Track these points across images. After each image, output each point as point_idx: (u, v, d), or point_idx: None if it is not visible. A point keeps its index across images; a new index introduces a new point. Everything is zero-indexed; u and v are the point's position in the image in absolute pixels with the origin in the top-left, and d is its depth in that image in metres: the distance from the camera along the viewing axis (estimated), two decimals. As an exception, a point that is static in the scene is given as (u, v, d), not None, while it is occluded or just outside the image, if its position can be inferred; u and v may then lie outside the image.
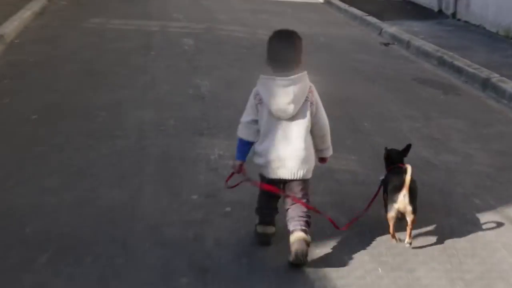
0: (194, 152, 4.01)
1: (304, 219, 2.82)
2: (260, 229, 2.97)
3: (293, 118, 2.81)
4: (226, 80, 5.71)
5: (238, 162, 2.92)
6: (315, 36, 8.09)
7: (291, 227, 2.83)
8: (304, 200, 2.87)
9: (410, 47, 7.42)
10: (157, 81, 5.57)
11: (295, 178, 2.83)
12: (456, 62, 6.38)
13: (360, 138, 4.36)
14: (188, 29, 8.12)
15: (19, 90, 5.10)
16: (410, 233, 2.92)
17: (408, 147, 3.28)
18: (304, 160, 2.83)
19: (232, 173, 2.98)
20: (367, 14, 9.44)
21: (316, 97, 2.87)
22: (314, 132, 2.88)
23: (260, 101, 2.84)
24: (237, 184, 3.04)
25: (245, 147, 2.91)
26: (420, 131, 4.54)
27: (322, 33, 8.32)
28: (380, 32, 8.44)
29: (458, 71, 6.26)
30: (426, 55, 6.99)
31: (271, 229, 2.96)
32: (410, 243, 2.94)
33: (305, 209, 2.84)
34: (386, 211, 2.93)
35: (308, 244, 2.77)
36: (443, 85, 5.93)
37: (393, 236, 2.96)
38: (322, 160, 3.04)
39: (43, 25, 7.99)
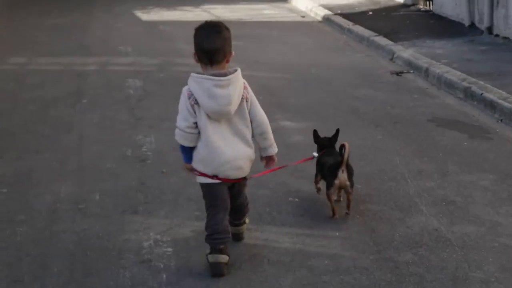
0: (121, 238, 3.99)
1: (244, 211, 3.93)
2: (212, 258, 3.59)
3: (232, 118, 3.55)
4: (177, 135, 5.74)
5: (189, 165, 3.66)
6: (305, 67, 8.21)
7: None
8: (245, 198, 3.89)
9: (429, 76, 7.50)
10: (85, 141, 5.61)
11: (244, 176, 3.71)
12: (487, 95, 6.43)
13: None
14: (136, 66, 8.25)
15: None
16: (350, 205, 4.19)
17: (337, 132, 4.46)
18: (251, 158, 3.69)
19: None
20: (376, 34, 9.60)
21: (250, 93, 3.62)
22: (253, 130, 3.64)
23: (195, 102, 3.51)
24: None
25: (191, 152, 3.64)
26: (432, 193, 4.53)
27: (315, 63, 8.44)
28: (392, 57, 8.55)
29: (491, 106, 6.30)
30: (449, 86, 7.05)
31: (224, 259, 3.59)
32: (348, 213, 4.19)
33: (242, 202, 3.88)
34: (327, 190, 4.15)
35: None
36: (469, 126, 5.95)
37: (334, 213, 4.16)
38: (269, 160, 3.85)
39: None
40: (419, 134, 5.73)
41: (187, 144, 3.59)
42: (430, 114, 6.27)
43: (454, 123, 6.03)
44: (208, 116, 3.50)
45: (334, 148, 4.40)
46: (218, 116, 3.51)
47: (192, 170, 3.65)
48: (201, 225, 4.08)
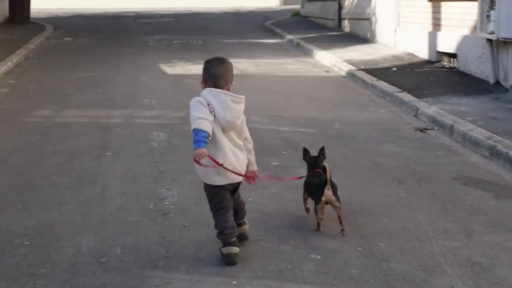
0: (141, 294, 3.98)
1: (244, 211, 4.68)
2: (225, 250, 4.31)
3: (235, 131, 4.33)
4: (200, 189, 5.68)
5: (203, 150, 4.08)
6: (328, 122, 8.24)
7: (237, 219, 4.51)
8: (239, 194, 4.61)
9: (454, 133, 7.49)
10: (108, 194, 5.64)
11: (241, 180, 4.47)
12: (513, 153, 6.39)
13: (372, 266, 4.29)
14: (161, 119, 8.34)
15: None
16: (341, 220, 4.75)
17: (321, 150, 5.13)
18: (245, 164, 4.44)
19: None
20: (400, 90, 9.64)
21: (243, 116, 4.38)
22: (246, 144, 4.46)
23: (212, 110, 4.20)
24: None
25: (207, 137, 4.13)
26: (457, 253, 4.47)
27: (339, 118, 8.47)
28: (416, 113, 8.56)
29: (517, 164, 6.26)
30: (474, 144, 7.03)
31: (235, 250, 4.32)
32: (343, 230, 4.74)
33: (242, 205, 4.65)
34: (316, 205, 4.77)
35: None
36: (495, 185, 5.90)
37: (319, 226, 4.81)
38: (251, 175, 4.53)
39: (-29, 122, 8.27)
40: (444, 192, 5.68)
41: (208, 128, 4.13)
42: (455, 172, 6.24)
43: (479, 182, 5.98)
44: (218, 126, 4.23)
45: (319, 167, 5.00)
46: (230, 127, 4.27)
47: (202, 157, 4.11)
48: (222, 281, 4.08)
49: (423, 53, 12.37)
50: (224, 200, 4.39)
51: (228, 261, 4.30)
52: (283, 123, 8.19)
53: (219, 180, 4.33)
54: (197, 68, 12.35)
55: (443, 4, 11.72)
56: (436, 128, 7.87)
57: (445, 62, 11.63)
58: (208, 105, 4.18)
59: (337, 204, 4.76)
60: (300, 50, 15.49)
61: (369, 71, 11.39)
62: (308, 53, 14.79)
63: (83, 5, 29.39)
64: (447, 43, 11.43)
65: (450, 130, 7.58)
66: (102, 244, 4.63)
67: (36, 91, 10.47)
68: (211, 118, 4.17)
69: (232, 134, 4.33)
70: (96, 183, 5.93)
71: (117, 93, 10.00)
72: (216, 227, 4.39)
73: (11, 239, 4.70)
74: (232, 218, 4.40)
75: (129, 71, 12.29)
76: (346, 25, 18.15)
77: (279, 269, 4.23)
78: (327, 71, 12.44)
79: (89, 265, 4.32)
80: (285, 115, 8.63)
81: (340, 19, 18.95)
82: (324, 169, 4.81)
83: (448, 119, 7.83)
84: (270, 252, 4.47)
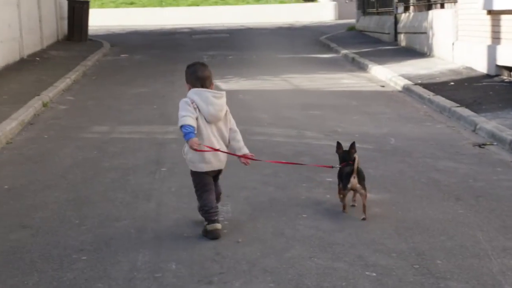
0: (196, 309, 4.01)
1: (220, 199, 5.37)
2: (210, 227, 5.04)
3: (222, 122, 5.12)
4: (254, 205, 5.80)
5: (195, 139, 4.91)
6: (383, 137, 8.19)
7: None
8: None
9: (514, 148, 7.36)
10: (163, 210, 5.72)
11: (223, 167, 5.22)
12: None
13: (429, 284, 4.24)
14: (215, 135, 8.39)
15: (-19, 229, 5.35)
16: (364, 209, 5.36)
17: (352, 144, 5.65)
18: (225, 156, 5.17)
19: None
20: (457, 105, 9.52)
21: (228, 110, 5.18)
22: (229, 134, 5.21)
23: (196, 107, 5.01)
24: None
25: (193, 129, 4.94)
26: (517, 272, 4.39)
27: (394, 133, 8.41)
28: (475, 128, 8.44)
29: None
30: (535, 159, 6.89)
31: (219, 226, 5.07)
32: (364, 218, 5.34)
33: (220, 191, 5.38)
34: (341, 190, 5.54)
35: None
36: (557, 202, 5.77)
37: (344, 208, 5.54)
38: (244, 156, 5.28)
39: (31, 138, 8.50)
40: (503, 210, 5.58)
41: (192, 122, 4.94)
42: (515, 188, 6.12)
43: (540, 198, 5.86)
44: (205, 120, 5.03)
45: (351, 160, 5.55)
46: (213, 119, 5.06)
47: (199, 146, 4.90)
48: (276, 298, 4.10)
49: (481, 67, 12.19)
50: (208, 184, 5.18)
51: (213, 235, 5.05)
52: (337, 138, 8.09)
53: (205, 167, 5.12)
54: (251, 84, 12.62)
55: (503, 17, 11.54)
56: (495, 143, 7.75)
57: (505, 76, 11.43)
58: (192, 103, 5.03)
59: (362, 191, 5.38)
60: (355, 65, 15.45)
61: (426, 86, 11.29)
62: (363, 68, 14.74)
63: (139, 22, 29.95)
64: (507, 56, 11.25)
65: (510, 145, 7.45)
66: (157, 259, 4.70)
67: (93, 107, 10.70)
68: (195, 114, 4.99)
69: (220, 124, 5.13)
70: (151, 199, 6.01)
71: (172, 109, 10.07)
72: (201, 207, 5.16)
73: (69, 254, 4.80)
74: (214, 200, 5.16)
75: (183, 86, 12.35)
76: (402, 39, 18.03)
77: (333, 286, 4.22)
78: (383, 86, 12.38)
79: (144, 280, 4.38)
80: (339, 130, 8.62)
81: (396, 33, 18.85)
82: (353, 159, 5.45)
83: (508, 134, 7.70)
84: (325, 269, 4.46)
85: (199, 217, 5.26)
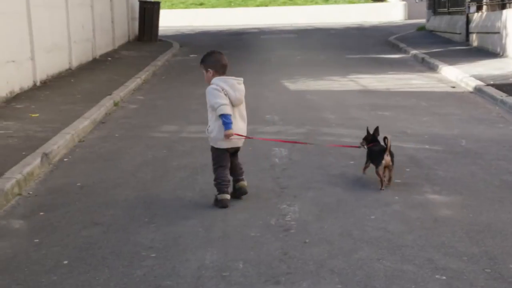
0: (263, 309, 4.02)
1: (242, 170, 6.00)
2: (221, 197, 5.77)
3: (241, 105, 5.80)
4: (321, 205, 5.77)
5: (231, 131, 5.68)
6: (454, 139, 8.03)
7: (236, 176, 5.94)
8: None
9: None
10: (230, 209, 5.75)
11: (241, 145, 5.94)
12: None
13: (501, 290, 4.14)
14: (282, 135, 8.41)
15: (55, 225, 5.47)
16: (391, 179, 6.13)
17: (376, 128, 6.42)
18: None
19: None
20: (532, 106, 9.26)
21: None
22: None
23: (225, 93, 5.68)
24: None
25: (231, 117, 5.68)
26: None
27: (465, 134, 8.24)
28: (550, 130, 8.19)
29: None
30: None
31: (228, 196, 5.80)
32: (388, 184, 6.11)
33: (241, 165, 6.01)
34: (375, 167, 6.16)
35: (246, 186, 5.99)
36: None
37: (381, 183, 6.08)
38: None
39: (103, 137, 8.68)
40: None
41: (230, 111, 5.67)
42: None
43: None
44: (231, 104, 5.69)
45: (378, 141, 6.30)
46: (238, 102, 5.75)
47: (233, 134, 5.71)
48: (343, 299, 4.06)
49: (557, 67, 11.81)
50: (224, 160, 5.83)
51: (223, 204, 5.76)
52: (407, 139, 8.06)
53: (226, 144, 5.77)
54: (319, 84, 12.59)
55: None
56: None
57: None
58: (222, 90, 5.67)
59: (392, 167, 6.09)
60: (425, 65, 15.21)
61: (499, 87, 11.01)
62: (433, 68, 14.50)
63: (208, 23, 30.24)
64: None
65: None
66: (225, 258, 4.72)
67: (163, 107, 10.85)
68: (228, 101, 5.66)
69: (241, 107, 5.81)
70: (219, 198, 6.04)
71: (240, 109, 10.18)
72: (216, 179, 5.82)
73: (139, 251, 4.88)
74: (228, 174, 5.84)
75: (252, 87, 12.45)
76: (474, 39, 17.65)
77: (402, 289, 4.16)
78: (453, 87, 12.14)
79: (212, 279, 4.41)
80: (409, 131, 8.50)
81: (467, 33, 18.46)
82: (384, 139, 6.04)
83: None
84: (393, 271, 4.41)
85: (267, 217, 5.27)
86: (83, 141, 8.46)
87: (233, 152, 5.88)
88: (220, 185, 5.78)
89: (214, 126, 5.75)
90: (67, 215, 5.73)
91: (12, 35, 10.96)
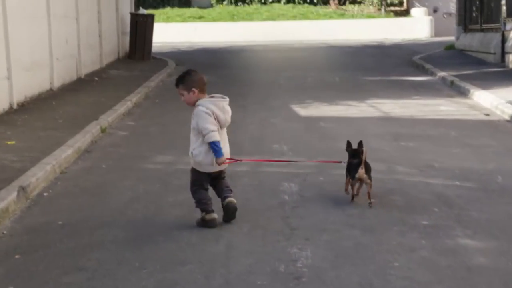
0: None
1: (229, 188, 6.48)
2: (208, 217, 6.30)
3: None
4: (337, 250, 5.75)
5: (224, 158, 6.28)
6: (489, 174, 8.03)
7: (222, 195, 6.44)
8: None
9: None
10: (233, 253, 5.73)
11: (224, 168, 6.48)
12: None
13: None
14: (292, 168, 8.41)
15: (32, 271, 5.44)
16: (369, 195, 6.84)
17: (360, 142, 7.05)
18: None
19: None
20: None
21: None
22: None
23: (216, 118, 6.22)
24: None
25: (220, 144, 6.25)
26: None
27: (502, 169, 8.26)
28: None
29: None
30: None
31: (215, 215, 6.31)
32: (370, 203, 6.81)
33: (228, 184, 6.52)
34: (348, 180, 7.02)
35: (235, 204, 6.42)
36: None
37: (353, 198, 6.96)
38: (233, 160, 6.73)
39: (88, 168, 8.69)
40: None
41: (219, 137, 6.21)
42: None
43: None
44: (219, 127, 6.25)
45: (358, 155, 6.89)
46: (226, 124, 6.36)
47: (226, 160, 6.33)
48: None
49: None
50: (205, 182, 6.42)
51: (211, 224, 6.27)
52: (434, 174, 8.05)
53: (211, 169, 6.33)
54: (333, 110, 12.63)
55: None
56: None
57: None
58: (213, 113, 6.19)
59: (368, 181, 6.80)
60: (455, 90, 15.25)
61: (539, 114, 11.04)
62: (464, 93, 14.54)
63: (207, 38, 30.39)
64: None
65: None
66: (227, 310, 4.70)
67: (156, 134, 10.88)
68: (217, 126, 6.20)
69: (224, 129, 6.37)
70: (220, 240, 6.03)
71: (244, 138, 10.20)
72: (198, 200, 6.36)
73: (128, 301, 4.86)
74: (208, 194, 6.40)
75: (257, 112, 12.55)
76: (511, 60, 17.70)
77: None
78: (487, 114, 12.16)
79: (212, 333, 4.39)
80: (436, 165, 8.49)
81: (503, 53, 18.53)
82: (361, 152, 6.78)
83: None
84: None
85: (275, 262, 5.25)
86: (66, 172, 8.47)
87: (216, 175, 6.43)
88: (205, 205, 6.33)
89: (200, 150, 6.29)
90: (46, 258, 5.71)
91: (-13, 51, 11.04)
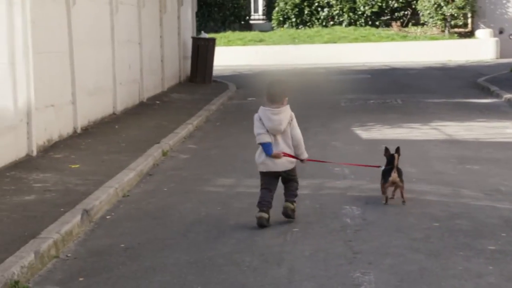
0: None
1: (293, 193, 7.30)
2: (257, 214, 7.04)
3: (282, 134, 7.15)
4: (401, 275, 5.68)
5: (277, 152, 7.12)
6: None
7: (285, 198, 7.26)
8: (294, 180, 7.34)
9: None
10: (295, 277, 5.71)
11: (285, 170, 7.19)
12: None
13: None
14: (354, 191, 8.38)
15: (96, 292, 5.54)
16: (403, 195, 7.72)
17: (397, 148, 7.83)
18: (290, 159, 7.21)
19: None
20: None
21: (294, 120, 7.26)
22: (292, 142, 7.21)
23: (262, 123, 7.11)
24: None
25: (271, 144, 7.11)
26: None
27: None
28: None
29: None
30: None
31: (265, 215, 7.03)
32: (404, 201, 7.71)
33: (293, 188, 7.31)
34: (384, 184, 7.77)
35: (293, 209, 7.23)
36: None
37: (386, 200, 7.77)
38: (301, 161, 7.35)
39: (150, 191, 8.78)
40: None
41: (268, 139, 7.10)
42: None
43: None
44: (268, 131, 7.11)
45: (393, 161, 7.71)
46: (273, 131, 7.11)
47: (280, 154, 7.14)
48: None
49: None
50: (265, 182, 7.20)
51: (258, 222, 6.99)
52: (501, 198, 7.91)
53: (263, 168, 7.19)
54: (396, 132, 12.54)
55: None
56: None
57: None
58: (260, 119, 7.11)
59: (401, 184, 7.65)
60: (521, 112, 14.99)
61: None
62: (531, 115, 14.28)
63: (268, 62, 30.47)
64: None
65: None
66: (289, 334, 4.67)
67: (217, 157, 10.95)
68: (265, 129, 7.08)
69: (286, 135, 7.16)
70: (282, 264, 6.02)
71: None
72: (258, 198, 7.13)
73: (190, 324, 4.87)
74: (268, 195, 7.13)
75: (318, 135, 12.52)
76: None
77: None
78: (557, 136, 11.91)
79: None
80: (503, 189, 8.34)
81: None
82: (394, 158, 7.65)
83: None
84: None
85: (337, 287, 5.20)
86: (128, 195, 8.57)
87: (278, 176, 7.22)
88: (259, 203, 7.07)
89: (257, 152, 7.22)
90: (109, 281, 5.78)
91: (54, 76, 11.28)
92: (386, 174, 7.68)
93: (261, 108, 7.19)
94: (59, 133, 11.46)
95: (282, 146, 7.12)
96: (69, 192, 8.16)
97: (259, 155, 7.17)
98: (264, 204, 7.05)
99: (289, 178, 7.24)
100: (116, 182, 8.56)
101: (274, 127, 7.08)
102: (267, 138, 7.08)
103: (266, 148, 7.07)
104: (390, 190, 7.78)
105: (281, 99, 7.18)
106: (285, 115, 7.14)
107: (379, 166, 7.86)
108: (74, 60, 12.02)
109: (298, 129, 7.27)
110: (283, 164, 7.14)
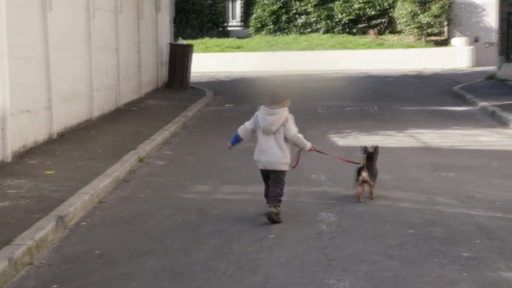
0: None
1: (274, 197, 7.43)
2: (268, 210, 7.37)
3: (276, 133, 7.46)
4: (376, 282, 5.70)
5: (229, 144, 7.77)
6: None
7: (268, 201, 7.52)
8: (279, 184, 7.49)
9: None
10: (271, 284, 5.70)
11: (273, 169, 7.49)
12: None
13: None
14: (330, 198, 8.39)
15: (70, 298, 5.49)
16: (372, 192, 8.21)
17: (376, 148, 8.39)
18: (281, 159, 7.52)
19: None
20: None
21: (289, 122, 7.52)
22: (288, 142, 7.56)
23: (257, 120, 7.52)
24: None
25: (237, 139, 7.74)
26: None
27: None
28: None
29: None
30: None
31: (274, 211, 7.30)
32: (372, 197, 8.21)
33: (276, 191, 7.45)
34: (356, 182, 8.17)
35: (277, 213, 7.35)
36: None
37: (359, 198, 8.17)
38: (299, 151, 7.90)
39: (126, 197, 8.74)
40: None
41: (242, 134, 7.67)
42: None
43: None
44: (261, 130, 7.46)
45: (373, 161, 8.27)
46: (266, 131, 7.43)
47: (230, 147, 7.84)
48: None
49: None
50: (263, 179, 7.69)
51: (269, 217, 7.30)
52: (475, 206, 7.96)
53: (258, 165, 7.64)
54: (372, 140, 12.57)
55: None
56: None
57: None
58: (256, 116, 7.50)
59: (371, 183, 8.10)
60: (496, 120, 15.09)
61: None
62: (506, 123, 14.37)
63: (246, 68, 30.51)
64: None
65: None
66: None
67: (194, 164, 10.93)
68: (251, 126, 7.58)
69: (278, 135, 7.46)
70: (258, 271, 6.02)
71: (282, 168, 10.17)
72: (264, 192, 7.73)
73: (164, 331, 4.85)
74: (267, 190, 7.59)
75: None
76: (552, 89, 17.50)
77: None
78: (529, 145, 12.01)
79: None
80: (477, 196, 8.39)
81: (545, 82, 18.32)
82: (367, 157, 8.11)
83: None
84: None
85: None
86: (103, 202, 8.53)
87: (267, 174, 7.55)
88: (266, 198, 7.61)
89: (255, 150, 7.62)
90: (83, 288, 5.74)
91: (29, 81, 11.21)
92: (358, 172, 8.09)
93: (261, 107, 7.55)
94: (34, 139, 11.39)
95: (273, 146, 7.43)
96: (43, 198, 8.10)
97: (255, 153, 7.56)
98: (267, 199, 7.54)
99: (275, 180, 7.45)
100: (92, 189, 8.52)
101: (266, 126, 7.42)
102: (240, 131, 7.64)
103: (233, 137, 7.71)
104: (362, 188, 8.18)
105: (281, 101, 7.51)
106: (279, 116, 7.43)
107: (358, 163, 8.19)
108: (50, 65, 11.96)
109: (292, 129, 7.49)
110: (271, 163, 7.46)
